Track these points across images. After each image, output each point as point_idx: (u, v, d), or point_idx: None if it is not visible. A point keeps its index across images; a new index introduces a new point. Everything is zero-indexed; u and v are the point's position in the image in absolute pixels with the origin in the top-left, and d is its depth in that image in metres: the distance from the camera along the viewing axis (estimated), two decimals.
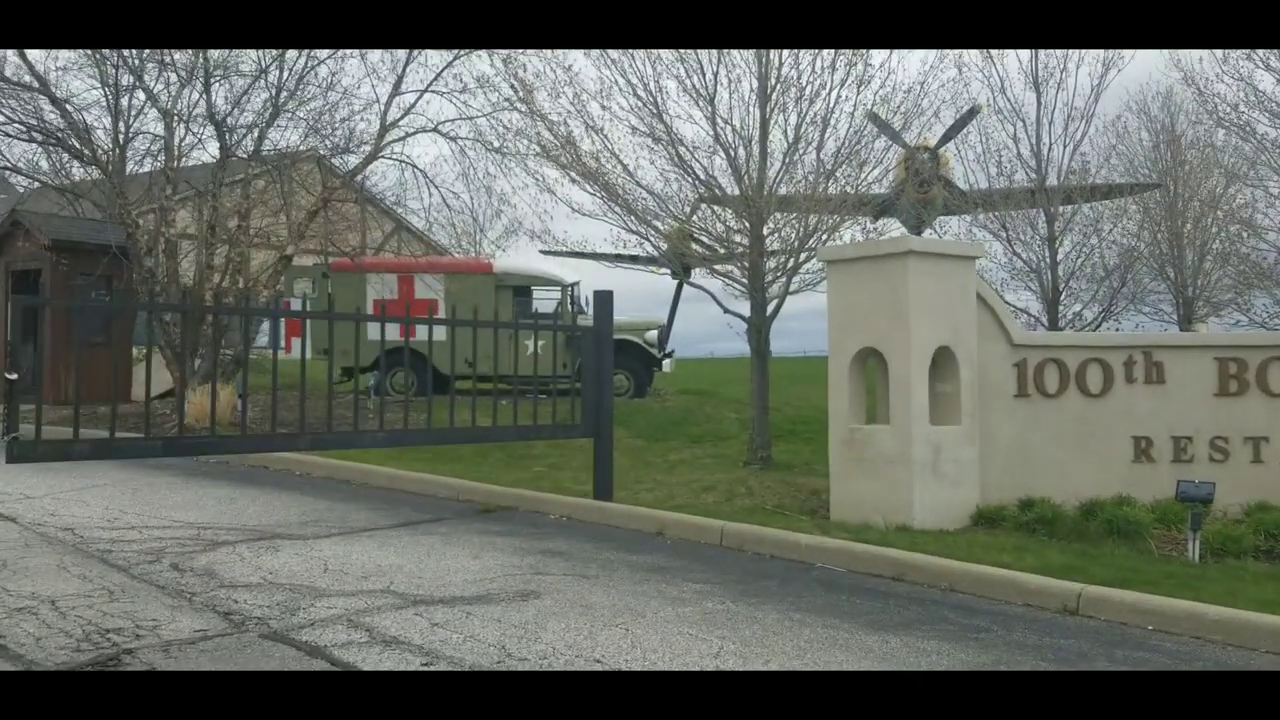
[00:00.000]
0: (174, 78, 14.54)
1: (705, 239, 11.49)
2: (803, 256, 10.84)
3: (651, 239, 10.80)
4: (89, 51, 13.87)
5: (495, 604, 5.93)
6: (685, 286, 15.35)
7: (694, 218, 11.32)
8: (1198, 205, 15.73)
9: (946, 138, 19.86)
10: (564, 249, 13.02)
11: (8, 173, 16.18)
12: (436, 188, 16.13)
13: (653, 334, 17.68)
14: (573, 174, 10.81)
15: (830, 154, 10.67)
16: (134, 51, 13.97)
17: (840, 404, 8.92)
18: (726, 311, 11.17)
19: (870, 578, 6.98)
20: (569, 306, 17.91)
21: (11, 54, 13.42)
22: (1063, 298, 13.91)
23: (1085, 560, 7.04)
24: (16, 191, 20.14)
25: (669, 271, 12.61)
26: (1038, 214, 14.49)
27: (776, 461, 11.33)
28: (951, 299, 8.82)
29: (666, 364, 17.99)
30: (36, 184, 15.69)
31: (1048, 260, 13.88)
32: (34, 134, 14.22)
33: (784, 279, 10.95)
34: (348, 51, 14.38)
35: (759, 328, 11.07)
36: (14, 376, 5.82)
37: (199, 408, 13.23)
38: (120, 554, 6.97)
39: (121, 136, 14.42)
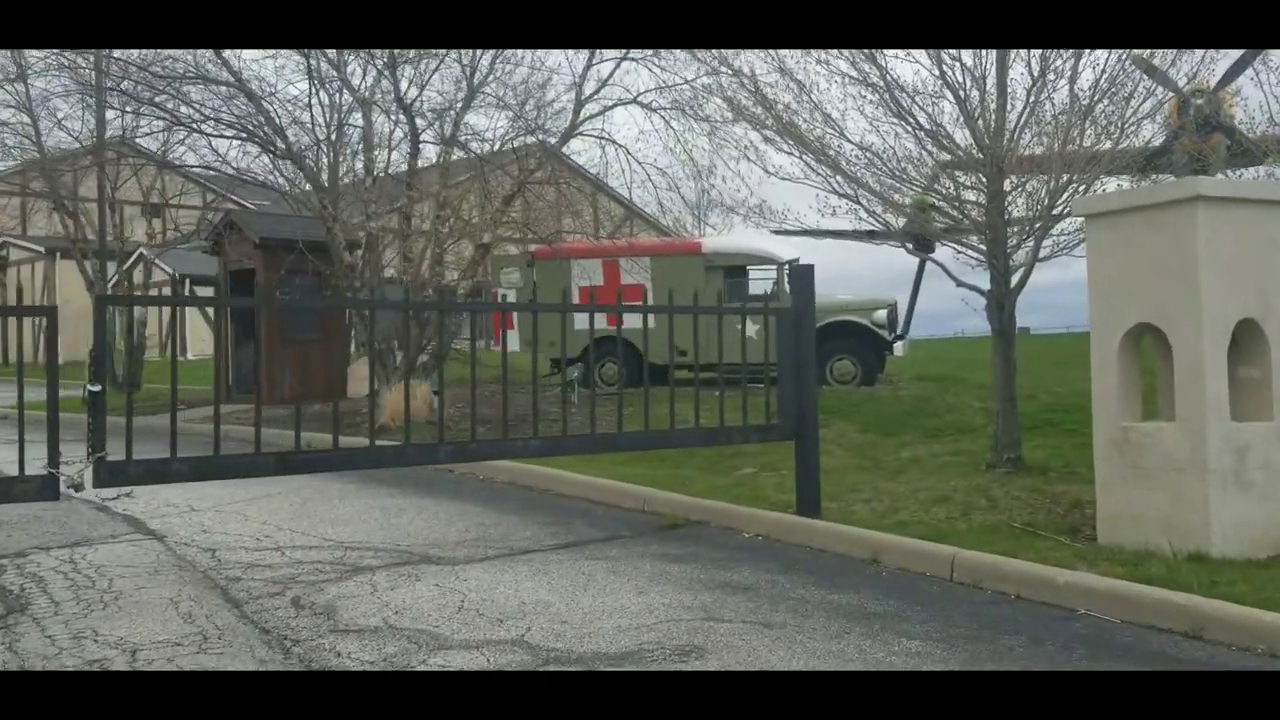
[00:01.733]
0: (372, 67, 14.11)
1: (947, 208, 9.75)
2: (1055, 213, 8.91)
3: (865, 202, 9.16)
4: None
5: (643, 664, 4.64)
6: (926, 263, 13.64)
7: (935, 186, 9.61)
8: None
9: (1229, 77, 16.99)
10: (794, 228, 11.59)
11: (216, 173, 16.32)
12: (641, 164, 14.99)
13: (882, 314, 15.90)
14: (770, 133, 9.34)
15: (1087, 85, 8.68)
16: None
17: (1107, 396, 7.05)
18: (960, 284, 9.38)
19: (1155, 633, 5.20)
20: (784, 286, 16.36)
21: (211, 52, 13.29)
22: None
23: None
24: (264, 204, 20.66)
25: (909, 246, 10.98)
26: None
27: (1028, 463, 9.45)
28: (1257, 257, 6.76)
29: (899, 347, 16.15)
30: (249, 184, 15.71)
31: None
32: (242, 134, 14.10)
33: (1031, 242, 9.05)
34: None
35: (1000, 302, 9.22)
36: (98, 389, 5.01)
37: (395, 406, 12.70)
38: (247, 583, 6.16)
39: (325, 130, 14.13)
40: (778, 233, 16.28)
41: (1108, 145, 9.09)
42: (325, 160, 13.89)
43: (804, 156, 9.06)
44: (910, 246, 10.82)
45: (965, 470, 9.52)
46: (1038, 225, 8.92)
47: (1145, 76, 9.57)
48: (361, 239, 14.28)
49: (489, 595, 5.85)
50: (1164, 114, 15.75)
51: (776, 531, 7.50)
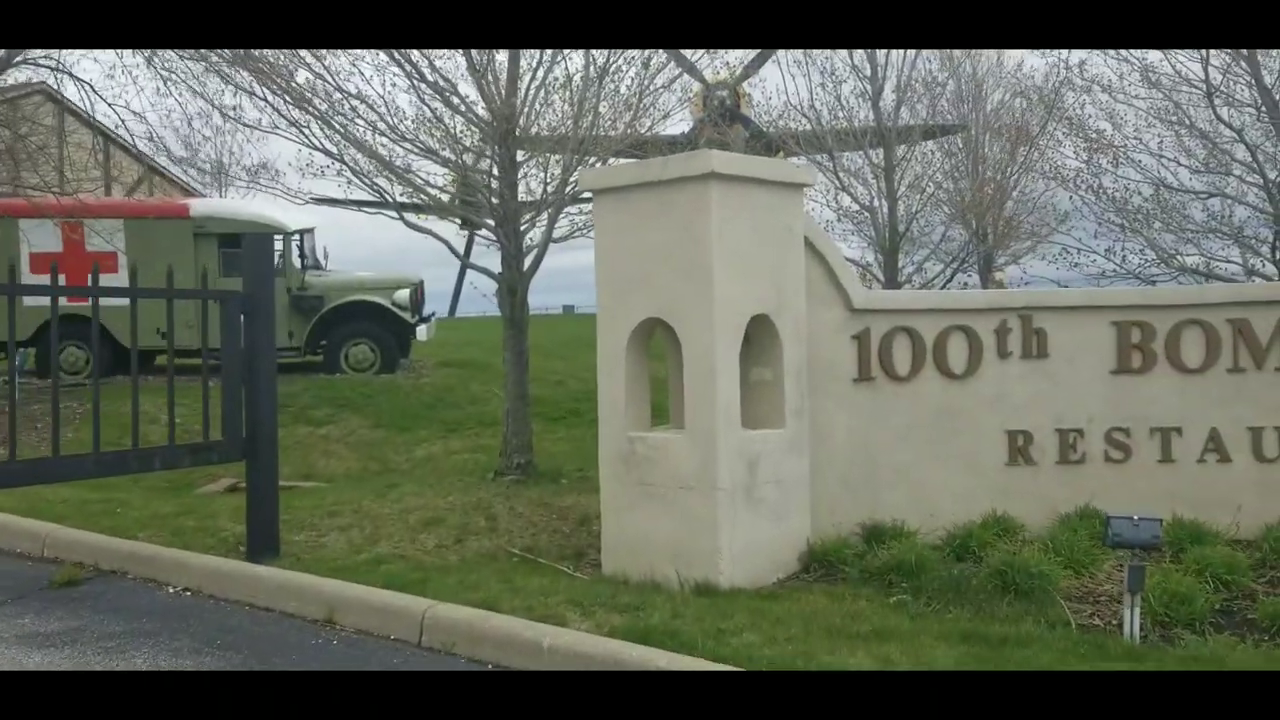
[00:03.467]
0: None
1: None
2: (570, 190, 7.90)
3: (351, 163, 7.57)
4: None
5: None
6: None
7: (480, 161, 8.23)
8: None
9: (749, 72, 17.44)
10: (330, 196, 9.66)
11: None
12: (112, 106, 12.28)
13: (404, 294, 14.42)
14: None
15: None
16: None
17: (614, 402, 6.07)
18: (468, 267, 8.12)
19: None
20: (292, 259, 14.40)
21: None
22: (902, 246, 11.41)
23: (991, 653, 4.45)
24: None
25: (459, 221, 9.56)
26: (865, 151, 11.97)
27: (540, 468, 8.43)
28: (773, 245, 6.08)
29: (423, 330, 14.77)
30: None
31: (882, 194, 11.25)
32: None
33: (545, 221, 7.98)
34: None
35: (512, 287, 8.08)
36: None
37: None
38: None
39: None
40: (320, 201, 14.29)
41: (627, 118, 8.25)
42: None
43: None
44: (461, 223, 9.50)
45: (471, 479, 8.29)
46: (549, 202, 7.85)
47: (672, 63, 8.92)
48: None
49: None
50: (690, 102, 15.75)
51: (212, 584, 5.75)
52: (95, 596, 5.65)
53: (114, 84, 34.36)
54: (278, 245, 14.33)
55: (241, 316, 6.14)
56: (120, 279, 13.12)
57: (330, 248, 15.51)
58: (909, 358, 6.77)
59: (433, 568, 6.04)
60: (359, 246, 52.44)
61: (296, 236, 14.40)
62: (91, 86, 11.99)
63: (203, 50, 7.36)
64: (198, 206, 14.25)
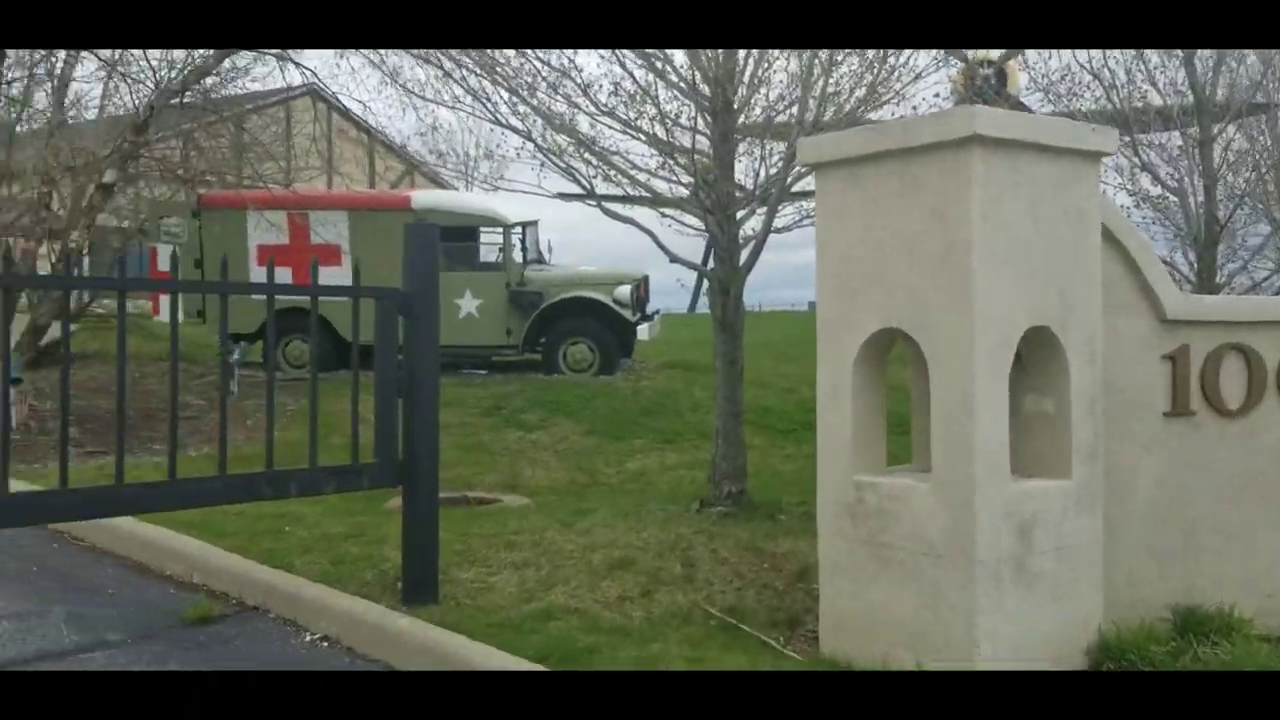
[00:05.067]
0: None
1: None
2: (796, 170, 6.60)
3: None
4: None
5: None
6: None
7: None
8: None
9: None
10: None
11: None
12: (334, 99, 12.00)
13: (625, 290, 13.49)
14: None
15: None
16: None
17: (837, 436, 4.73)
18: (674, 260, 6.96)
19: None
20: (513, 254, 13.76)
21: None
22: (1223, 239, 9.20)
23: None
24: None
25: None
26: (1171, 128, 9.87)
27: (756, 498, 7.17)
28: (1057, 234, 4.56)
29: (645, 329, 13.81)
30: None
31: (1197, 175, 9.10)
32: None
33: (765, 207, 6.72)
34: None
35: (725, 285, 6.87)
36: None
37: None
38: None
39: None
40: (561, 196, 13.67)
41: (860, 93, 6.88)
42: None
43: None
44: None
45: (674, 509, 7.11)
46: (771, 187, 6.58)
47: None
48: None
49: None
50: (950, 79, 14.01)
51: (351, 633, 4.87)
52: (223, 642, 4.89)
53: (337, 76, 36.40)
54: (497, 238, 13.76)
55: (400, 318, 5.23)
56: (342, 272, 12.89)
57: (572, 246, 14.89)
58: (1243, 386, 5.07)
59: (609, 629, 4.94)
60: (600, 242, 52.68)
61: (518, 229, 13.75)
62: (313, 72, 11.74)
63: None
64: (420, 198, 13.86)
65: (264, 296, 5.20)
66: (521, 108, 6.37)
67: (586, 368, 13.35)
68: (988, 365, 4.27)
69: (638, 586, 5.56)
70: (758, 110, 7.05)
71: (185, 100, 10.89)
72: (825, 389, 4.77)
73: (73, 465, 8.61)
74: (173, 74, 10.68)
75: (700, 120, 6.79)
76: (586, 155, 6.86)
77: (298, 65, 11.25)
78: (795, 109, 6.82)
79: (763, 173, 7.07)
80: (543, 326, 13.53)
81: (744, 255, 6.91)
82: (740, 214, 6.93)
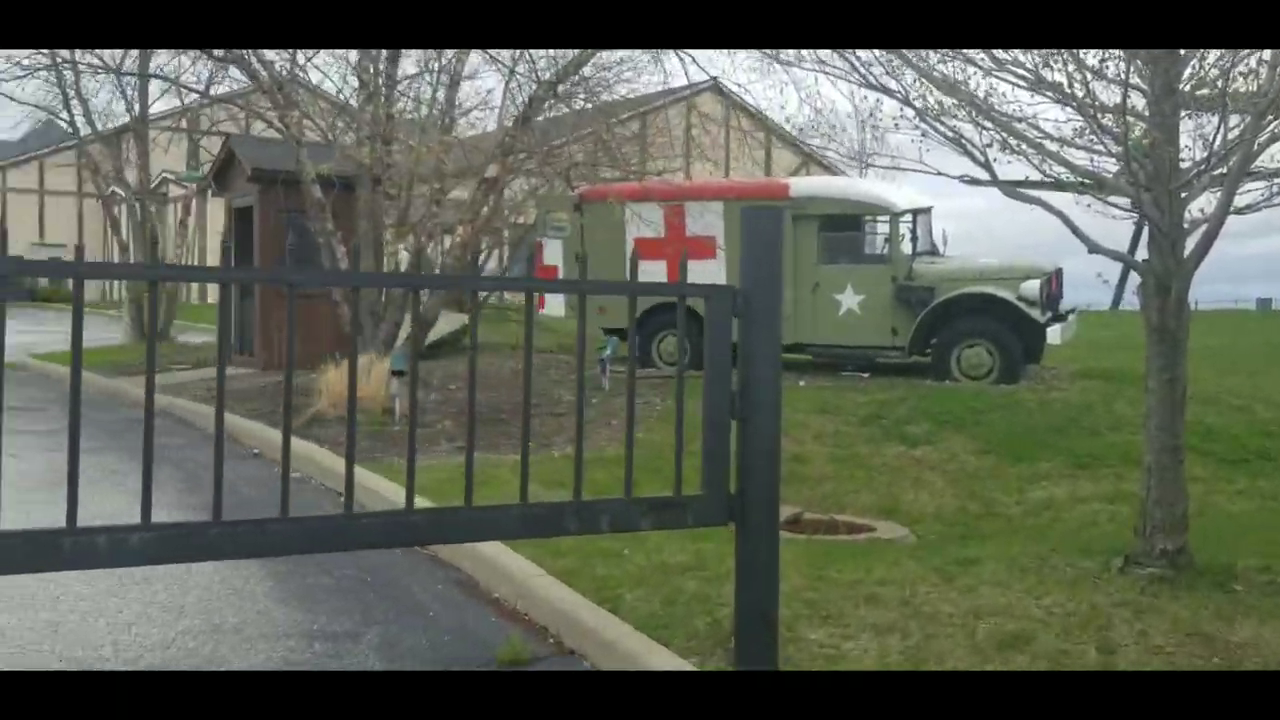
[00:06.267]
0: None
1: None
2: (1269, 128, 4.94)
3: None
4: None
5: None
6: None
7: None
8: None
9: None
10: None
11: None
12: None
13: (1033, 286, 11.76)
14: None
15: None
16: None
17: None
18: (1094, 250, 5.48)
19: None
20: (901, 245, 12.44)
21: None
22: None
23: None
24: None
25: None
26: None
27: (1202, 558, 5.53)
28: None
29: (1056, 331, 11.98)
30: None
31: None
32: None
33: (1222, 177, 5.10)
34: None
35: (1164, 282, 5.32)
36: None
37: (338, 389, 9.78)
38: None
39: None
40: (971, 182, 12.35)
41: None
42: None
43: None
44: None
45: (1089, 564, 5.65)
46: (1233, 150, 4.96)
47: None
48: (365, 169, 11.30)
49: None
50: None
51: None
52: (529, 693, 4.24)
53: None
54: (883, 227, 12.54)
55: (734, 320, 4.31)
56: (717, 265, 12.31)
57: (971, 236, 13.42)
58: None
59: None
60: (1003, 231, 48.99)
61: (907, 217, 12.44)
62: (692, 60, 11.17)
63: None
64: (799, 185, 12.97)
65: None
66: (895, 62, 5.21)
67: (984, 374, 11.80)
68: None
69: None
70: (1210, 57, 5.42)
71: (564, 92, 10.70)
72: None
73: (438, 462, 8.62)
74: (550, 70, 10.55)
75: (1132, 71, 5.29)
76: (982, 121, 5.56)
77: (688, 60, 10.73)
78: (1269, 53, 5.13)
79: (1218, 138, 5.42)
80: (934, 326, 12.13)
81: (1190, 243, 5.32)
82: (1185, 192, 5.35)
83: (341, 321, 11.05)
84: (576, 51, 10.42)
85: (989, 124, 5.33)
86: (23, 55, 15.09)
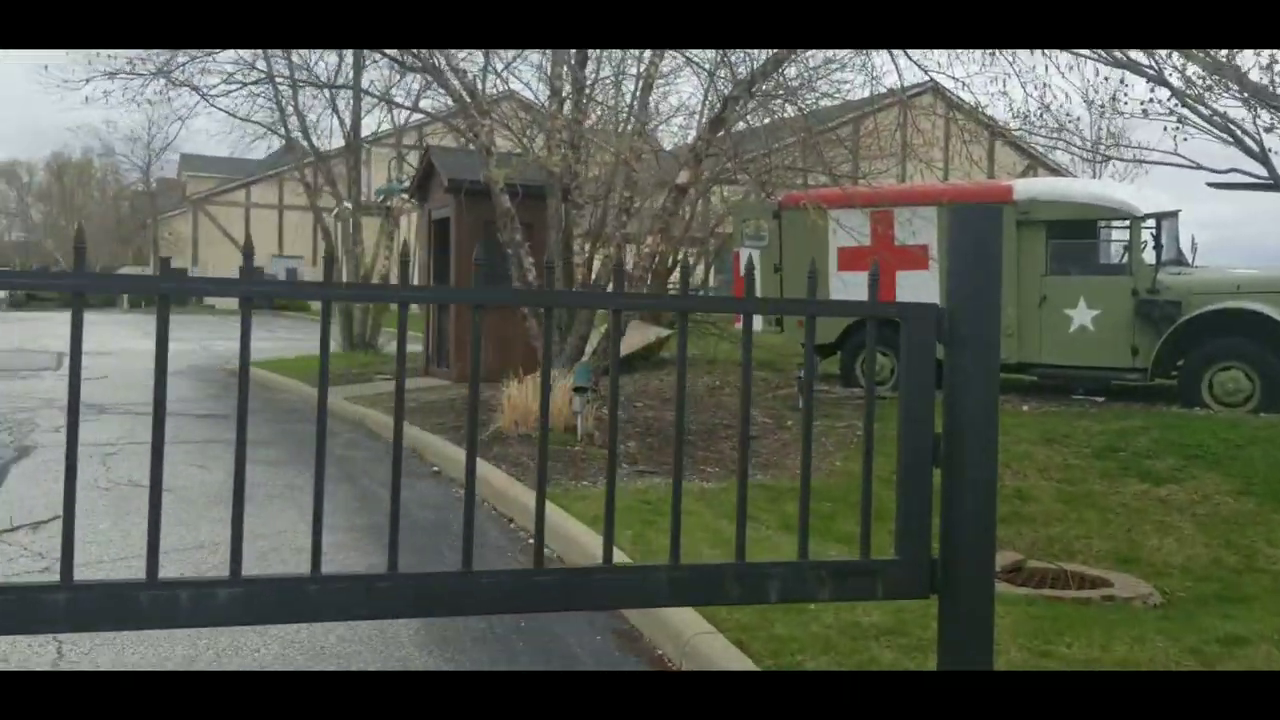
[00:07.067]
0: None
1: None
2: None
3: None
4: None
5: None
6: None
7: None
8: None
9: None
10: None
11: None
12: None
13: None
14: None
15: None
16: None
17: None
18: None
19: None
20: (1142, 253, 11.00)
21: None
22: None
23: None
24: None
25: None
26: None
27: None
28: None
29: None
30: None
31: None
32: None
33: None
34: None
35: None
36: None
37: (520, 405, 9.42)
38: None
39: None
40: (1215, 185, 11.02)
41: None
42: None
43: None
44: None
45: None
46: None
47: None
48: (558, 177, 10.98)
49: None
50: None
51: None
52: None
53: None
54: (1122, 234, 11.17)
55: (938, 345, 3.52)
56: (930, 276, 11.31)
57: (1229, 245, 11.89)
58: None
59: None
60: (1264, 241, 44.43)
61: (1150, 223, 11.01)
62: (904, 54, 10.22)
63: None
64: (1023, 187, 11.73)
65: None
66: None
67: (1242, 402, 10.28)
68: None
69: None
70: None
71: (761, 92, 9.99)
72: None
73: (618, 486, 8.07)
74: (747, 68, 9.87)
75: None
76: (1257, 105, 4.51)
77: (916, 61, 9.84)
78: None
79: None
80: (1181, 345, 10.67)
81: None
82: None
83: (529, 335, 10.72)
84: (773, 51, 9.70)
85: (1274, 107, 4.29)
86: (240, 71, 15.69)
